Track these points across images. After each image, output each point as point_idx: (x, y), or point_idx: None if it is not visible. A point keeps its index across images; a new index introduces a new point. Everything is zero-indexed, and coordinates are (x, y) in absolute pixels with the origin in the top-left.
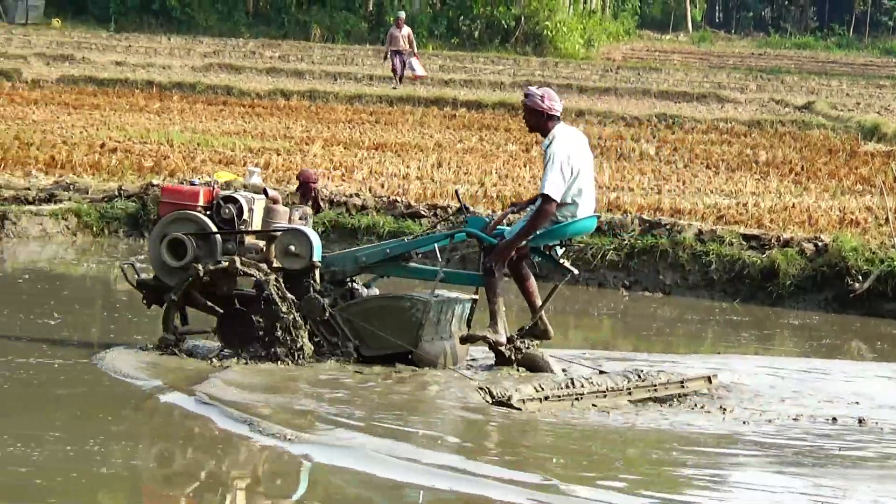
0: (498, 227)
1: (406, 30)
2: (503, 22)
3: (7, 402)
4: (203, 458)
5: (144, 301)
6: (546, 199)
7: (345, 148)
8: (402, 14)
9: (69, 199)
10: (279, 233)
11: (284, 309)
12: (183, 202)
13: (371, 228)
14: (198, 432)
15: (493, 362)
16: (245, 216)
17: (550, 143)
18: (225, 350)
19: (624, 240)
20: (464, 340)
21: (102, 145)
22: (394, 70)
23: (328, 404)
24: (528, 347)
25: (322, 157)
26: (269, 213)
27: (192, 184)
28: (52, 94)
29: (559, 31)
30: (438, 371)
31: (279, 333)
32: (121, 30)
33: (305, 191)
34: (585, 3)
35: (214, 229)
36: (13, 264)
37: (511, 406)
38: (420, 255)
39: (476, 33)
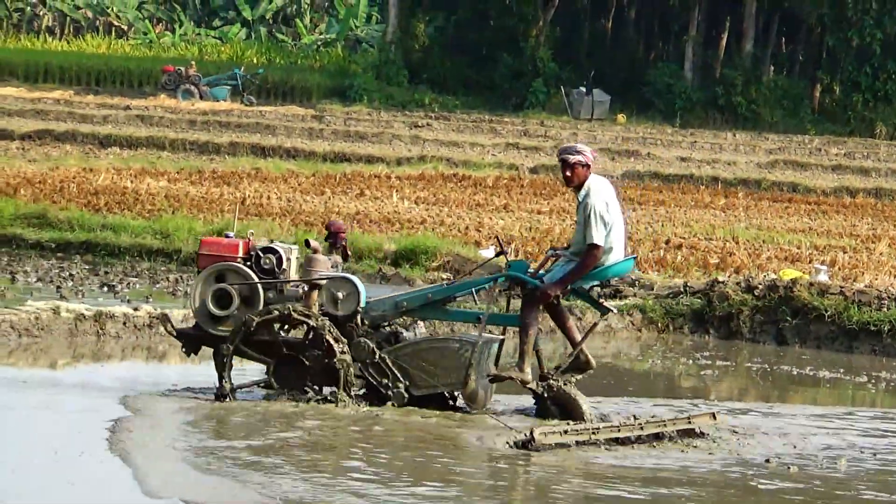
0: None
1: None
2: None
3: None
4: None
5: (184, 350)
6: (593, 247)
7: None
8: None
9: (634, 295)
10: (323, 281)
11: (339, 351)
12: (223, 254)
13: None
14: None
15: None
16: (284, 265)
17: (587, 194)
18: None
19: None
20: (492, 380)
21: (668, 241)
22: None
23: None
24: (565, 384)
25: (888, 256)
26: (310, 263)
27: (227, 236)
28: (618, 189)
29: None
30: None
31: (338, 376)
32: (686, 125)
33: (335, 240)
34: None
35: (257, 280)
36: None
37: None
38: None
39: None
